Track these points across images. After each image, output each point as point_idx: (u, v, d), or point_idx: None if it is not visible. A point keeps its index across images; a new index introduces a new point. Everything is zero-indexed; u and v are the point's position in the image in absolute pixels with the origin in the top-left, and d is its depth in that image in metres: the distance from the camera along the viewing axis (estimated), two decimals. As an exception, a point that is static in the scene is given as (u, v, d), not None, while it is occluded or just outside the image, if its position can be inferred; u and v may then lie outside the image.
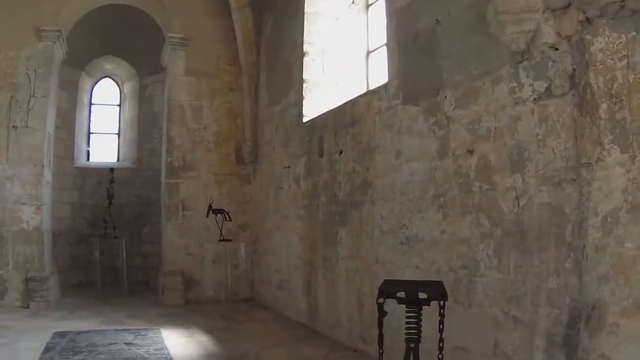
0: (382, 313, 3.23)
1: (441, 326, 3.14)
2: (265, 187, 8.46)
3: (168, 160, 8.76)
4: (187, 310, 7.87)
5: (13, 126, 7.78)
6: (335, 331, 6.03)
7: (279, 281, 7.77)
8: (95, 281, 9.38)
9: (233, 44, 8.98)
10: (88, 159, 10.73)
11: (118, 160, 11.00)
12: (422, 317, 3.21)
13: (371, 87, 6.00)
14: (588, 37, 2.94)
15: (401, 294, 3.23)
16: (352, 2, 7.08)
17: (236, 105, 9.09)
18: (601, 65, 2.86)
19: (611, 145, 2.80)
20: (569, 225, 3.17)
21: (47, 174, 8.19)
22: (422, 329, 3.22)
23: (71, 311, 7.46)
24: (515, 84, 3.63)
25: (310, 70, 7.12)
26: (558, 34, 3.28)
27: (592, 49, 2.90)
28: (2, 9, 7.87)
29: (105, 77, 11.07)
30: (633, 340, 2.66)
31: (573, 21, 3.13)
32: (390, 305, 3.25)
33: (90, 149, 10.84)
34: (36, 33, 8.02)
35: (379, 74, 6.06)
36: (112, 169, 9.81)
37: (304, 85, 7.10)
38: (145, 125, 10.80)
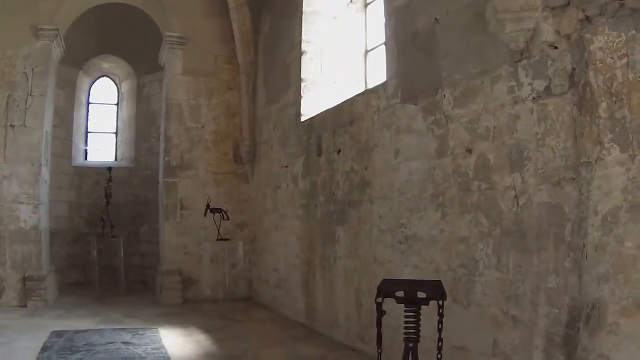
0: (380, 312, 3.22)
1: (440, 326, 3.14)
2: (264, 187, 8.44)
3: (166, 159, 8.74)
4: (185, 309, 7.86)
5: (11, 125, 7.76)
6: (333, 331, 6.02)
7: (277, 280, 7.75)
8: (93, 280, 9.39)
9: (231, 43, 8.97)
10: (86, 158, 10.72)
11: (116, 159, 10.98)
12: (421, 317, 3.20)
13: (370, 86, 5.97)
14: (588, 36, 2.93)
15: (400, 294, 3.22)
16: (351, 1, 7.06)
17: (234, 105, 9.08)
18: (601, 64, 2.85)
19: (611, 144, 2.80)
20: (568, 225, 3.16)
21: (45, 173, 8.17)
22: (421, 328, 3.21)
23: (69, 310, 7.45)
24: (514, 83, 3.62)
25: (309, 69, 7.10)
26: (558, 32, 3.27)
27: (591, 47, 2.90)
28: (0, 8, 7.84)
29: (103, 76, 11.05)
30: (633, 340, 2.65)
31: (573, 20, 3.12)
32: (389, 304, 3.24)
33: (88, 148, 10.83)
34: (34, 32, 7.99)
35: (378, 73, 6.04)
36: (110, 168, 9.78)
37: (303, 85, 7.08)
38: (143, 124, 10.78)
